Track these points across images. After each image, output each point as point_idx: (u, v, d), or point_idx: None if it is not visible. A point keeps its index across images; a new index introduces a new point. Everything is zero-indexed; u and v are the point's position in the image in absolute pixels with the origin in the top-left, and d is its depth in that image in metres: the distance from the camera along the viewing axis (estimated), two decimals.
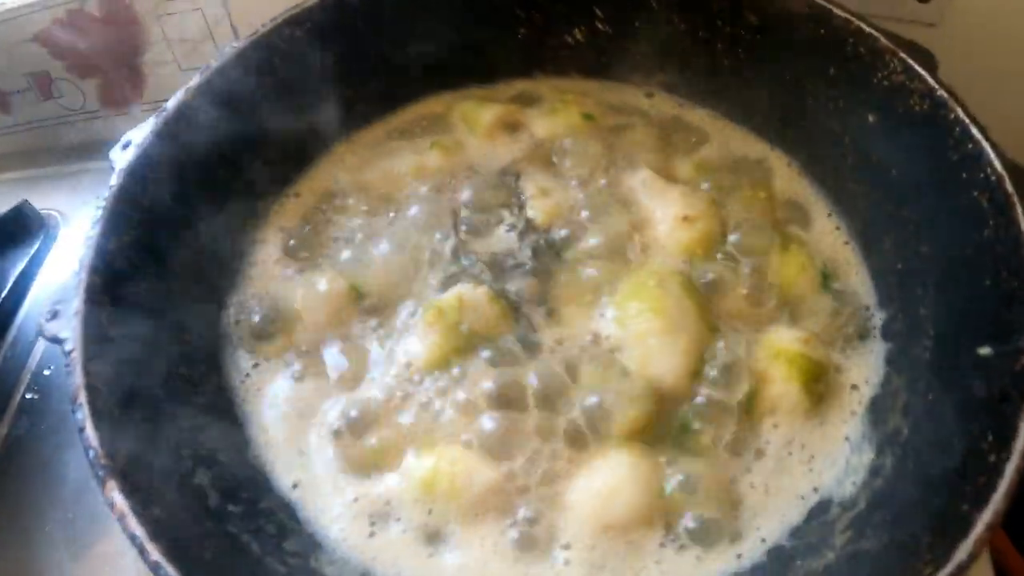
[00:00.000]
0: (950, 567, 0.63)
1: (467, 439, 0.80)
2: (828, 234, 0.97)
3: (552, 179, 0.98)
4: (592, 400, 0.81)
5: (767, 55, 1.01)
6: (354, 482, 0.82)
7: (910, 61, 0.90)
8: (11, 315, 1.17)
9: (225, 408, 0.87)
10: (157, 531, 0.68)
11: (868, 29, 0.93)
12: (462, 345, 0.84)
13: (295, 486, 0.83)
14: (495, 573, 0.77)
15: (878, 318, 0.90)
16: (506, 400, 0.81)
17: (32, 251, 1.23)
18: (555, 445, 0.80)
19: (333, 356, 0.88)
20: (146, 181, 0.89)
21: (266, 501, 0.82)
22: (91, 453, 0.72)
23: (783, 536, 0.79)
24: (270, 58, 0.99)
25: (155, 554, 0.67)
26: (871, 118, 0.94)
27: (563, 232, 0.93)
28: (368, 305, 0.90)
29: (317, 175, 1.02)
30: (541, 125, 1.03)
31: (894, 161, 0.92)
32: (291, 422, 0.86)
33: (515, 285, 0.89)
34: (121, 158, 0.91)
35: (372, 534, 0.79)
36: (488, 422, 0.80)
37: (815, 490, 0.81)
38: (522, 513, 0.78)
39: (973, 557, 0.64)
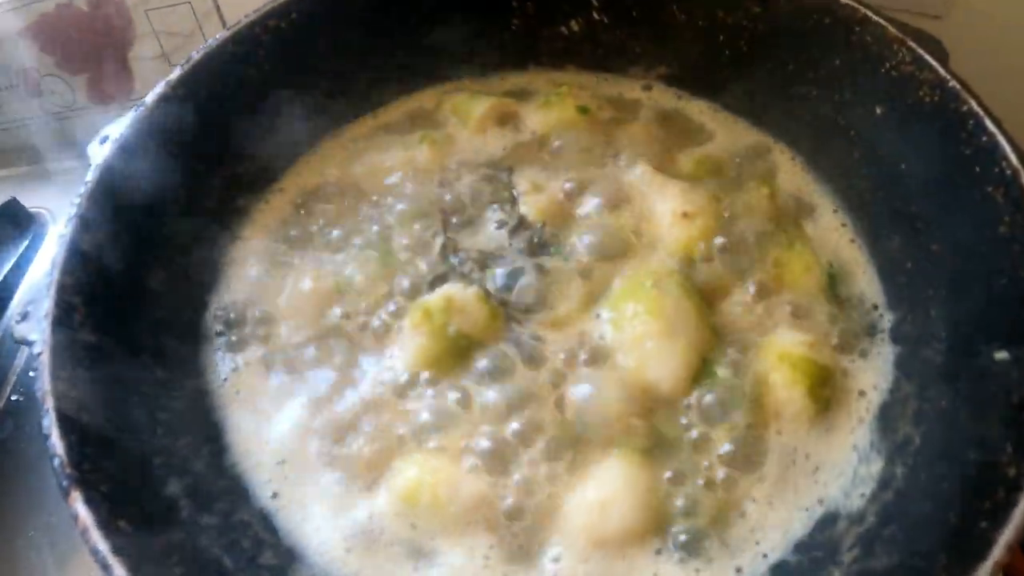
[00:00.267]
0: None
1: (453, 448, 0.75)
2: (834, 231, 0.90)
3: (546, 174, 0.92)
4: (585, 407, 0.75)
5: (770, 45, 0.95)
6: (336, 492, 0.76)
7: (919, 51, 0.84)
8: None
9: (202, 413, 0.82)
10: (122, 546, 0.63)
11: (875, 17, 0.87)
12: (450, 348, 0.78)
13: (274, 496, 0.77)
14: None
15: (887, 320, 0.84)
16: (494, 407, 0.75)
17: (20, 250, 1.18)
18: (546, 454, 0.74)
19: (316, 360, 0.82)
20: (123, 177, 0.84)
21: (242, 512, 0.76)
22: (56, 461, 0.67)
23: (787, 551, 0.73)
24: (253, 51, 0.93)
25: (119, 570, 0.62)
26: (879, 110, 0.88)
27: (556, 229, 0.87)
28: (353, 305, 0.84)
29: (303, 170, 0.96)
30: (535, 118, 0.97)
31: (903, 155, 0.86)
32: (271, 428, 0.80)
33: (506, 285, 0.83)
34: (98, 153, 0.86)
35: (353, 548, 0.73)
36: (475, 430, 0.75)
37: (820, 502, 0.74)
38: (511, 526, 0.72)
39: None
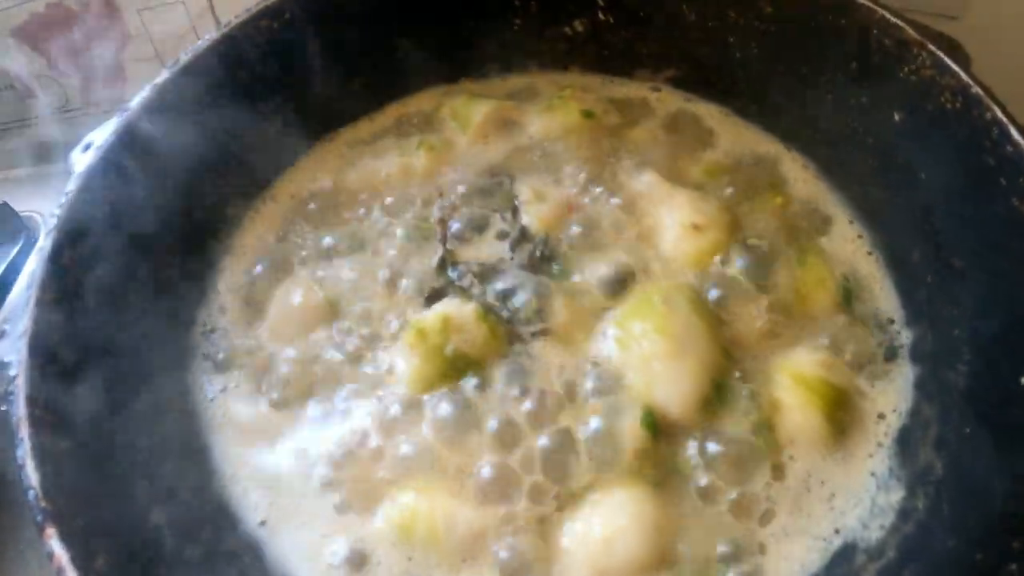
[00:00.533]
0: None
1: (451, 476, 0.70)
2: (850, 243, 0.85)
3: (549, 182, 0.86)
4: (590, 433, 0.70)
5: (783, 47, 0.89)
6: (328, 521, 0.71)
7: (940, 54, 0.79)
8: None
9: (189, 437, 0.77)
10: None
11: (893, 19, 0.81)
12: (447, 370, 0.73)
13: (262, 524, 0.72)
14: None
15: (905, 338, 0.79)
16: (494, 433, 0.70)
17: (11, 255, 1.13)
18: (548, 484, 0.69)
19: (306, 380, 0.77)
20: (106, 187, 0.79)
21: (229, 542, 0.71)
22: (31, 494, 0.62)
23: None
24: (244, 53, 0.88)
25: None
26: (897, 116, 0.83)
27: (560, 241, 0.82)
28: (346, 322, 0.79)
29: (296, 177, 0.91)
30: (537, 123, 0.91)
31: (923, 164, 0.81)
32: (259, 452, 0.75)
33: (507, 300, 0.77)
34: (80, 161, 0.81)
35: None
36: (474, 458, 0.70)
37: (837, 532, 0.69)
38: (510, 560, 0.67)
39: None
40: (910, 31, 0.81)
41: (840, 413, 0.72)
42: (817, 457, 0.72)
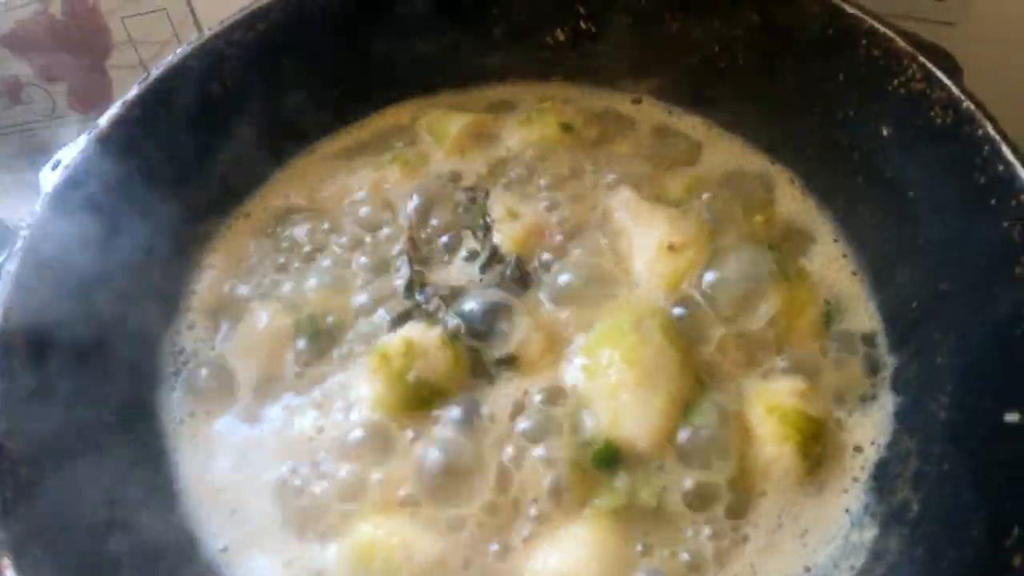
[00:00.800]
0: None
1: (410, 506, 0.67)
2: (834, 262, 0.81)
3: (523, 199, 0.83)
4: (554, 464, 0.67)
5: (769, 57, 0.85)
6: (289, 547, 0.69)
7: (931, 66, 0.75)
8: None
9: (154, 459, 0.75)
10: None
11: (883, 29, 0.77)
12: (410, 397, 0.70)
13: (224, 550, 0.71)
14: None
15: (888, 365, 0.75)
16: (456, 463, 0.68)
17: None
18: (509, 516, 0.66)
19: (273, 402, 0.75)
20: (75, 206, 0.77)
21: (190, 569, 0.69)
22: None
23: None
24: (216, 66, 0.85)
25: None
26: (885, 131, 0.79)
27: (532, 262, 0.78)
28: (313, 344, 0.76)
29: (269, 192, 0.88)
30: (515, 137, 0.88)
31: (911, 181, 0.77)
32: (225, 476, 0.73)
33: (475, 325, 0.74)
34: (49, 180, 0.79)
35: None
36: (434, 487, 0.67)
37: (808, 570, 0.66)
38: None
39: None
40: (900, 42, 0.77)
41: (816, 446, 0.69)
42: (790, 491, 0.68)
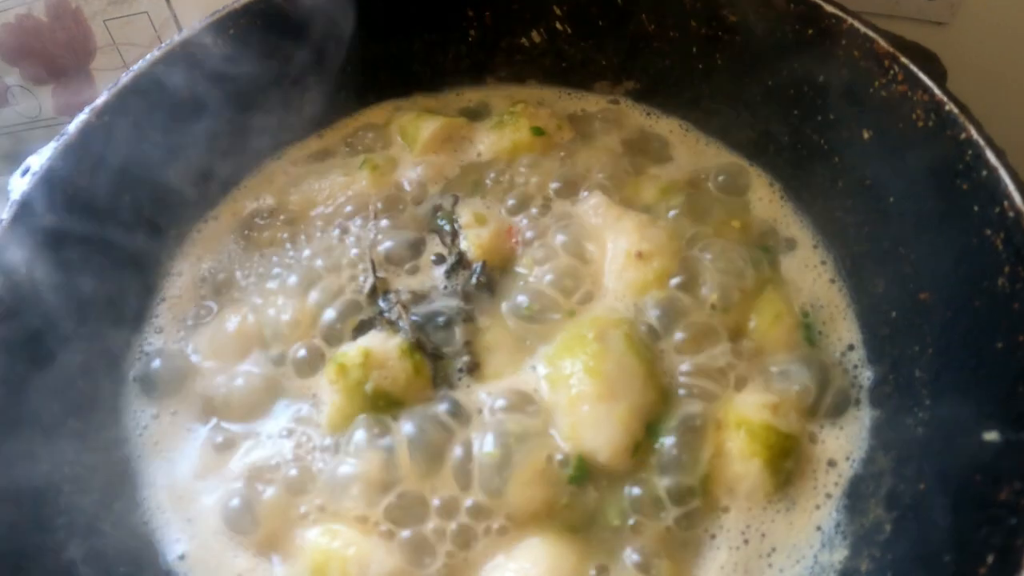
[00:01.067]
0: None
1: (366, 518, 0.64)
2: (811, 269, 0.77)
3: (492, 205, 0.79)
4: (512, 477, 0.63)
5: (746, 59, 0.81)
6: (247, 557, 0.67)
7: (913, 67, 0.71)
8: None
9: (116, 466, 0.72)
10: None
11: (863, 29, 0.73)
12: (367, 409, 0.67)
13: (182, 557, 0.68)
14: None
15: (865, 377, 0.71)
16: (414, 475, 0.64)
17: None
18: (465, 529, 0.63)
19: (235, 410, 0.72)
20: (44, 212, 0.74)
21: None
22: None
23: None
24: (188, 71, 0.82)
25: None
26: (866, 134, 0.75)
27: (497, 269, 0.75)
28: (275, 352, 0.74)
29: (240, 196, 0.86)
30: (487, 141, 0.84)
31: (892, 187, 0.73)
32: (187, 483, 0.71)
33: (437, 333, 0.71)
34: (18, 187, 0.76)
35: None
36: (390, 500, 0.64)
37: None
38: None
39: None
40: (881, 42, 0.73)
41: (786, 462, 0.65)
42: (757, 508, 0.64)
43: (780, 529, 0.64)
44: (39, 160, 0.78)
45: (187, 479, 0.71)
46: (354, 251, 0.78)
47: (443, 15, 0.88)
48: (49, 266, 0.74)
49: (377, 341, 0.69)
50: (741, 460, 0.64)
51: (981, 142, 0.66)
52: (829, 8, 0.74)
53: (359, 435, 0.66)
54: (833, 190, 0.77)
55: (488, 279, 0.74)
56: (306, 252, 0.79)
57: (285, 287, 0.76)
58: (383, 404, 0.67)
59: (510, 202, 0.79)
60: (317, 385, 0.71)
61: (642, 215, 0.76)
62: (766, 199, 0.81)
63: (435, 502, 0.64)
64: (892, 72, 0.72)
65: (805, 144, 0.79)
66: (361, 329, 0.72)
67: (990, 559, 0.52)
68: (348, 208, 0.81)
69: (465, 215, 0.78)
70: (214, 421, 0.73)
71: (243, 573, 0.66)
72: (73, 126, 0.79)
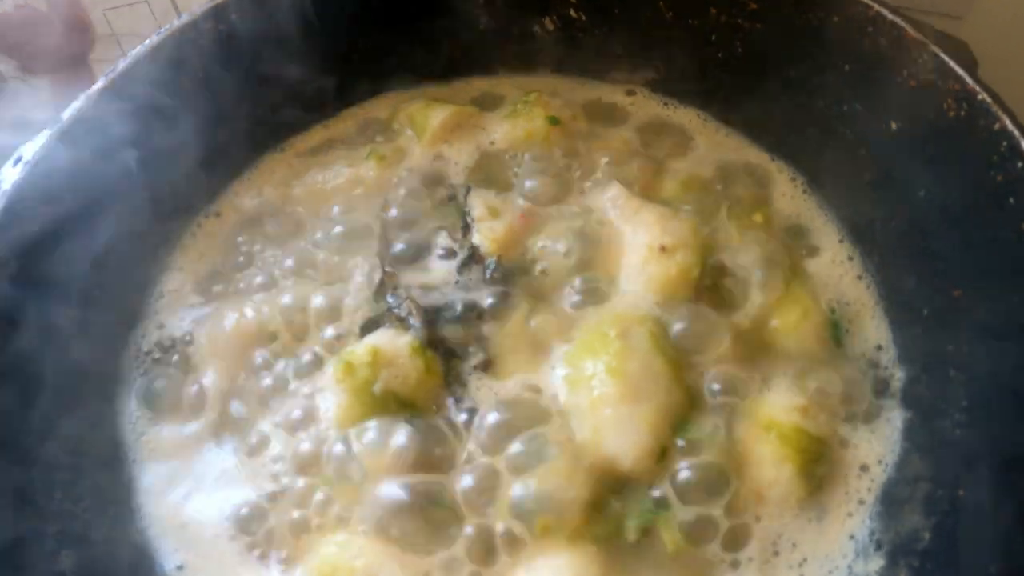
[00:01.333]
0: None
1: (376, 527, 0.60)
2: (838, 265, 0.73)
3: (505, 197, 0.75)
4: (532, 486, 0.59)
5: (769, 47, 0.77)
6: (249, 569, 0.62)
7: (943, 56, 0.68)
8: None
9: (112, 472, 0.68)
10: None
11: (891, 17, 0.70)
12: (376, 409, 0.63)
13: (180, 568, 0.64)
14: None
15: (897, 378, 0.67)
16: (424, 483, 0.60)
17: None
18: (481, 541, 0.59)
19: (237, 412, 0.68)
20: (36, 203, 0.70)
21: None
22: None
23: None
24: (187, 58, 0.77)
25: None
26: (894, 125, 0.71)
27: (512, 264, 0.71)
28: (278, 352, 0.69)
29: (241, 190, 0.81)
30: (499, 130, 0.80)
31: (922, 179, 0.70)
32: (186, 490, 0.66)
33: (449, 331, 0.67)
34: (9, 177, 0.72)
35: None
36: (401, 508, 0.60)
37: None
38: None
39: None
40: (910, 30, 0.69)
41: (818, 468, 0.61)
42: (788, 515, 0.61)
43: (811, 538, 0.60)
44: (32, 148, 0.74)
45: (186, 488, 0.67)
46: (360, 245, 0.73)
47: (454, 2, 0.83)
48: (42, 259, 0.70)
49: (386, 339, 0.65)
50: (772, 465, 0.60)
51: (1016, 133, 0.62)
52: None
53: (367, 440, 0.62)
54: (859, 183, 0.74)
55: (502, 274, 0.70)
56: (310, 246, 0.75)
57: (288, 283, 0.72)
58: (393, 405, 0.63)
59: (525, 194, 0.75)
60: (323, 385, 0.66)
61: (663, 208, 0.72)
62: (788, 193, 0.77)
63: (449, 514, 0.60)
64: (921, 61, 0.68)
65: (829, 136, 0.75)
66: (369, 327, 0.68)
67: None
68: (354, 201, 0.76)
69: (478, 207, 0.74)
70: (215, 424, 0.68)
71: None
72: (67, 114, 0.74)
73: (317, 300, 0.70)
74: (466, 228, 0.73)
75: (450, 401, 0.64)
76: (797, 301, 0.69)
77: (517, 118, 0.80)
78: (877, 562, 0.59)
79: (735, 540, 0.60)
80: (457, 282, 0.70)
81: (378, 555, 0.59)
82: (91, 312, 0.72)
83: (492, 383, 0.65)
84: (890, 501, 0.61)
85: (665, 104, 0.84)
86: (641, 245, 0.69)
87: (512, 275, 0.70)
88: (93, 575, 0.62)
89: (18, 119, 1.15)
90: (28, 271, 0.69)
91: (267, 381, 0.68)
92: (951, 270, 0.65)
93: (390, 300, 0.69)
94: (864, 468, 0.63)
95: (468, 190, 0.76)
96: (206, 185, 0.81)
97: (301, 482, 0.63)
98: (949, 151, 0.67)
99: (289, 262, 0.74)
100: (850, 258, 0.73)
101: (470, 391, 0.65)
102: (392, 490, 0.60)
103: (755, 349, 0.66)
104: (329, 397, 0.64)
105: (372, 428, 0.62)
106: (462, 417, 0.63)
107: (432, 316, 0.67)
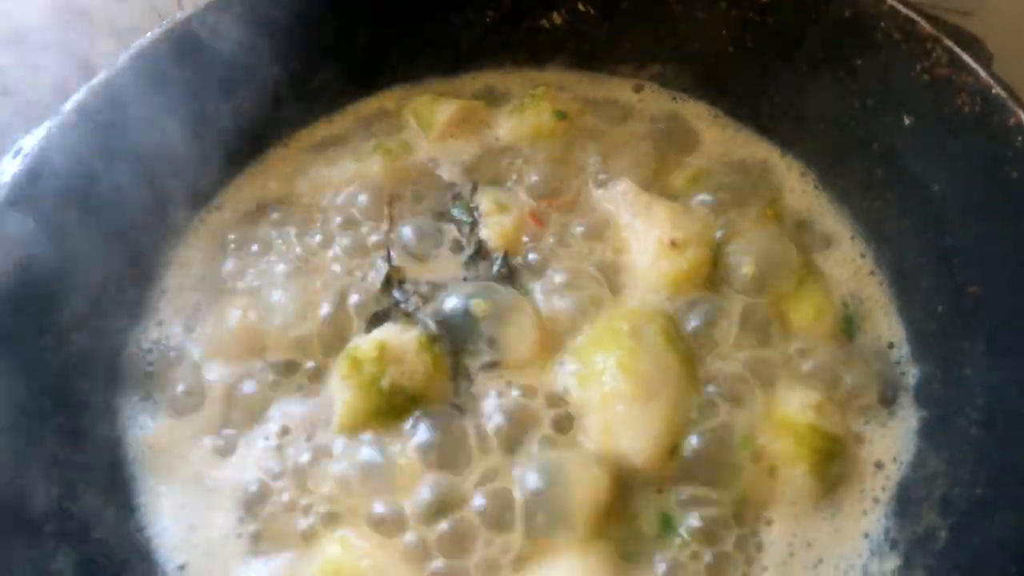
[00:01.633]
0: None
1: (382, 527, 0.59)
2: (850, 263, 0.72)
3: (513, 192, 0.74)
4: (537, 485, 0.58)
5: (780, 41, 0.76)
6: (253, 568, 0.61)
7: (957, 50, 0.67)
8: None
9: (112, 469, 0.67)
10: None
11: (905, 11, 0.69)
12: (383, 406, 0.61)
13: (182, 568, 0.62)
14: None
15: (911, 376, 0.66)
16: (433, 484, 0.59)
17: None
18: (492, 542, 0.57)
19: (239, 410, 0.66)
20: (36, 195, 0.69)
21: None
22: None
23: None
24: (190, 51, 0.76)
25: None
26: (908, 120, 0.70)
27: (520, 258, 0.70)
28: (282, 349, 0.68)
29: (245, 184, 0.79)
30: (506, 125, 0.79)
31: (936, 175, 0.69)
32: (187, 488, 0.65)
33: (456, 326, 0.65)
34: (9, 169, 0.71)
35: None
36: (409, 508, 0.59)
37: None
38: None
39: None
40: (923, 24, 0.68)
41: (833, 466, 0.60)
42: (803, 515, 0.59)
43: (825, 538, 0.59)
44: (32, 141, 0.72)
45: (187, 485, 0.65)
46: (366, 240, 0.72)
47: None
48: (40, 253, 0.68)
49: (393, 334, 0.63)
50: (786, 465, 0.59)
51: None
52: None
53: (373, 440, 0.61)
54: (872, 179, 0.73)
55: (510, 269, 0.69)
56: (315, 242, 0.73)
57: (292, 279, 0.71)
58: (400, 401, 0.61)
59: (533, 189, 0.74)
60: (328, 382, 0.65)
61: (673, 203, 0.71)
62: (800, 189, 0.76)
63: (456, 516, 0.58)
64: (935, 55, 0.67)
65: (841, 131, 0.74)
66: (375, 322, 0.67)
67: None
68: (359, 196, 0.75)
69: (485, 203, 0.72)
70: (216, 421, 0.67)
71: None
72: (69, 106, 0.73)
73: (321, 295, 0.69)
74: (473, 224, 0.72)
75: (457, 396, 0.63)
76: (810, 298, 0.68)
77: (524, 112, 0.79)
78: (893, 561, 0.58)
79: (749, 540, 0.58)
80: (465, 278, 0.69)
81: (384, 556, 0.58)
82: (91, 308, 0.71)
83: (500, 377, 0.64)
84: (906, 500, 0.60)
85: (674, 99, 0.83)
86: (652, 240, 0.68)
87: (520, 271, 0.69)
88: (92, 574, 0.60)
89: (19, 111, 1.13)
90: (28, 265, 0.68)
91: (270, 377, 0.67)
92: (966, 267, 0.65)
93: (397, 295, 0.68)
94: (879, 466, 0.62)
95: (475, 186, 0.75)
96: (209, 179, 0.79)
97: (305, 481, 0.62)
98: (963, 146, 0.66)
99: (293, 257, 0.72)
100: (863, 255, 0.72)
101: (477, 386, 0.64)
102: (396, 490, 0.59)
103: (767, 346, 0.65)
104: (335, 393, 0.63)
105: (376, 431, 0.61)
106: (471, 413, 0.62)
107: (439, 311, 0.66)
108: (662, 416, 0.59)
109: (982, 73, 0.65)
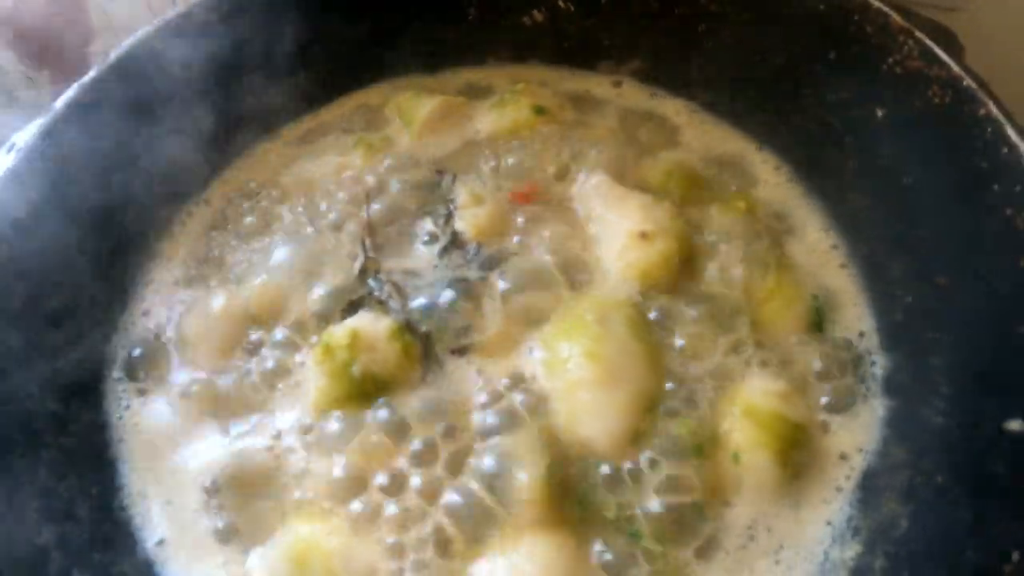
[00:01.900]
0: None
1: (351, 509, 0.60)
2: (822, 254, 0.72)
3: (489, 184, 0.75)
4: (505, 468, 0.58)
5: (755, 36, 0.77)
6: (227, 545, 0.62)
7: (928, 43, 0.68)
8: None
9: (96, 450, 0.68)
10: None
11: (877, 4, 0.70)
12: (354, 392, 0.62)
13: (160, 543, 0.64)
14: None
15: (879, 366, 0.66)
16: (398, 467, 0.60)
17: None
18: (455, 522, 0.58)
19: (221, 395, 0.68)
20: (27, 190, 0.71)
21: (123, 563, 0.63)
22: None
23: None
24: (180, 46, 0.78)
25: None
26: (880, 113, 0.71)
27: (493, 249, 0.70)
28: (262, 336, 0.69)
29: (231, 178, 0.81)
30: (486, 120, 0.80)
31: (907, 167, 0.69)
32: (168, 468, 0.66)
33: (428, 314, 0.66)
34: (2, 164, 0.73)
35: None
36: (375, 490, 0.60)
37: None
38: None
39: None
40: (896, 17, 0.69)
41: (796, 454, 0.60)
42: (765, 502, 0.60)
43: (787, 525, 0.59)
44: (24, 136, 0.74)
45: (166, 465, 0.67)
46: (346, 231, 0.73)
47: None
48: (32, 245, 0.70)
49: (366, 322, 0.65)
50: (749, 452, 0.59)
51: (1001, 118, 0.62)
52: None
53: (342, 424, 0.62)
54: (845, 171, 0.73)
55: (483, 260, 0.69)
56: (297, 233, 0.74)
57: (275, 269, 0.72)
58: (370, 387, 0.62)
59: (509, 180, 0.74)
60: (304, 367, 0.66)
61: (645, 196, 0.71)
62: (774, 181, 0.76)
63: (422, 498, 0.59)
64: (907, 48, 0.68)
65: (815, 124, 0.75)
66: (350, 310, 0.68)
67: (1015, 556, 0.47)
68: (341, 188, 0.76)
69: (462, 195, 0.73)
70: (198, 406, 0.68)
71: (223, 560, 0.62)
72: (60, 102, 0.75)
73: (301, 284, 0.70)
74: (448, 215, 0.73)
75: (426, 383, 0.64)
76: (780, 288, 0.68)
77: (504, 107, 0.80)
78: (854, 548, 0.58)
79: (710, 525, 0.59)
80: (437, 267, 0.70)
81: (352, 541, 0.59)
82: (80, 299, 0.73)
83: (469, 365, 0.65)
84: (869, 488, 0.60)
85: (652, 95, 0.83)
86: (622, 232, 0.69)
87: (493, 260, 0.70)
88: (75, 550, 0.62)
89: (12, 108, 1.16)
90: (18, 257, 0.69)
91: (250, 364, 0.68)
92: (935, 258, 0.65)
93: (371, 284, 0.69)
94: (843, 456, 0.62)
95: (453, 178, 0.76)
96: (196, 173, 0.81)
97: (281, 461, 0.63)
98: (935, 138, 0.66)
99: (275, 248, 0.74)
100: (834, 247, 0.72)
101: (447, 373, 0.65)
102: (365, 473, 0.60)
103: (735, 335, 0.65)
104: (310, 379, 0.64)
105: (345, 415, 0.62)
106: (439, 399, 0.63)
107: (412, 300, 0.67)
108: (626, 403, 0.60)
109: (953, 66, 0.66)
